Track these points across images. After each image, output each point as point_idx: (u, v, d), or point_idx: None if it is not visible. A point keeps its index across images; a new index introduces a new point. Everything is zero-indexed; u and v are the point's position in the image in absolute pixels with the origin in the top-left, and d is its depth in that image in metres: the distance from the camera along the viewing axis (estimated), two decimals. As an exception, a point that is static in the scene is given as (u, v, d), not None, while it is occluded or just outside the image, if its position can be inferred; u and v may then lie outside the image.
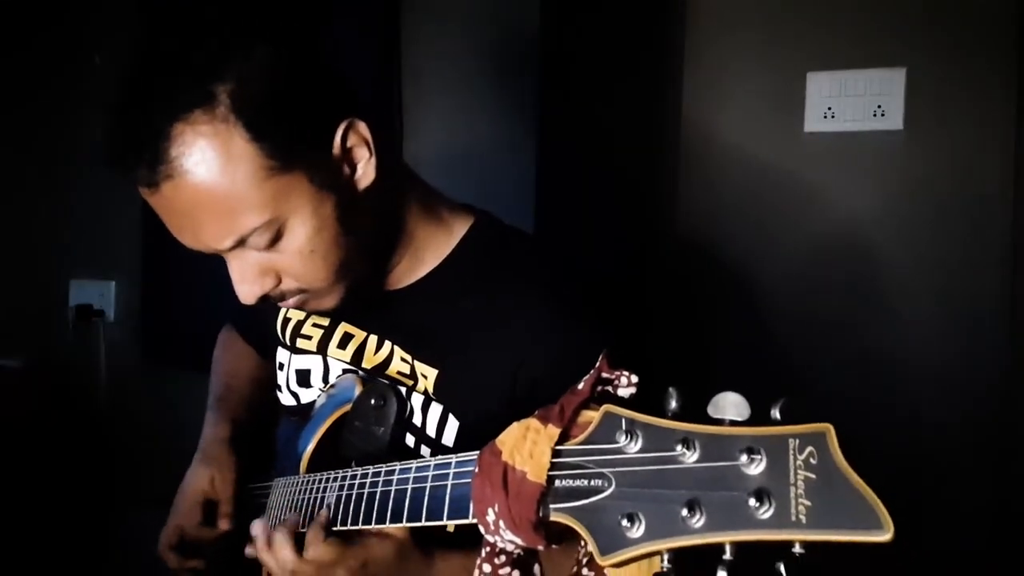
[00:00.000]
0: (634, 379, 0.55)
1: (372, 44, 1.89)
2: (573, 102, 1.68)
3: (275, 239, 0.80)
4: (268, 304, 0.87)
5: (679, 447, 0.46)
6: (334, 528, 0.81)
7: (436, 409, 0.90)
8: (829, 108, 1.57)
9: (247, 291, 0.83)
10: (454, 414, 0.89)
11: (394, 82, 1.90)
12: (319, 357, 1.01)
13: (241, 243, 0.79)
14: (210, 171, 0.75)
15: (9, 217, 2.33)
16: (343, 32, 1.89)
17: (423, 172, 2.07)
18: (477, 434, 0.86)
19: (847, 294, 1.58)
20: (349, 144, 0.82)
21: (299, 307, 0.88)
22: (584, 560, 0.60)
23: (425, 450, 0.91)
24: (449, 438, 0.90)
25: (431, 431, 0.91)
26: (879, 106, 1.54)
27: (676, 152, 1.69)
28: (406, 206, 0.91)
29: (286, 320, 1.05)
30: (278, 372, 1.08)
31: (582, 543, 0.59)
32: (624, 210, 1.65)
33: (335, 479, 0.84)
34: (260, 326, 1.12)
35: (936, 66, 1.51)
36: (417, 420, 0.92)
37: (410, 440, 0.92)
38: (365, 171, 0.83)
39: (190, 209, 0.77)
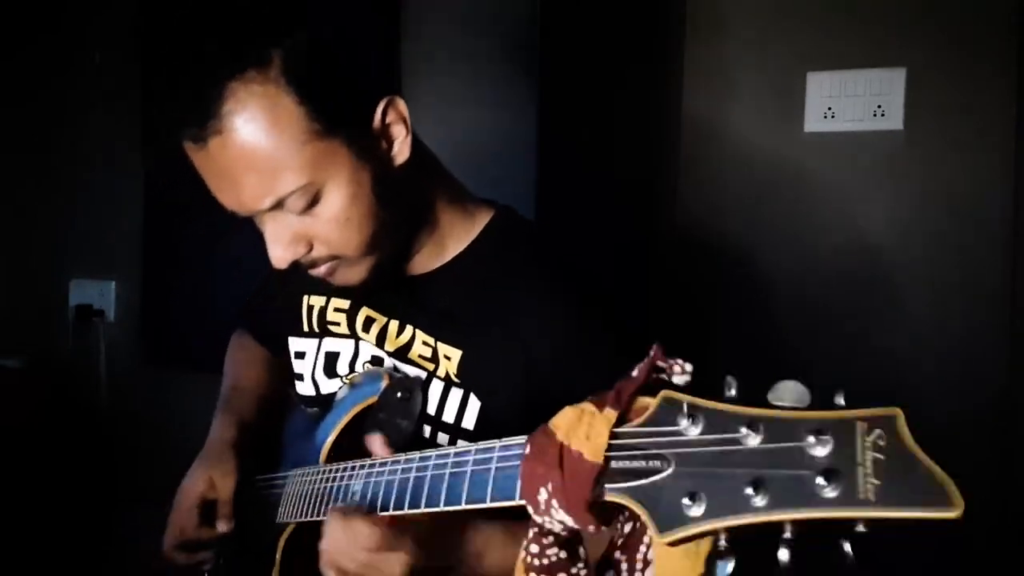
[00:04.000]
0: (688, 367, 0.55)
1: (371, 41, 1.89)
2: (573, 101, 1.68)
3: (312, 203, 0.82)
4: (298, 272, 0.89)
5: (744, 429, 0.46)
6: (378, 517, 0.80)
7: (456, 394, 0.92)
8: (829, 108, 1.57)
9: (280, 254, 0.85)
10: (477, 395, 0.91)
11: (394, 79, 1.90)
12: (351, 340, 1.02)
13: (279, 205, 0.81)
14: (257, 129, 0.78)
15: (9, 217, 2.33)
16: (342, 29, 1.89)
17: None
18: (497, 416, 0.87)
19: (847, 293, 1.58)
20: (388, 120, 0.85)
21: (328, 276, 0.89)
22: (619, 542, 0.60)
23: (443, 437, 0.92)
24: (469, 421, 0.91)
25: (450, 417, 0.92)
26: (879, 106, 1.54)
27: (676, 152, 1.70)
28: (434, 192, 0.94)
29: (310, 308, 1.05)
30: (297, 362, 1.08)
31: (619, 525, 0.60)
32: (624, 209, 1.65)
33: (360, 467, 0.84)
34: (271, 325, 1.13)
35: (936, 66, 1.51)
36: (435, 407, 0.93)
37: (426, 430, 0.93)
38: (401, 148, 0.86)
39: (233, 167, 0.80)
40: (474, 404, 0.91)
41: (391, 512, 0.77)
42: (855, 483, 0.42)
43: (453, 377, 0.92)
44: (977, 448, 1.49)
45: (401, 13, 1.92)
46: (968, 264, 1.50)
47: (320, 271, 0.88)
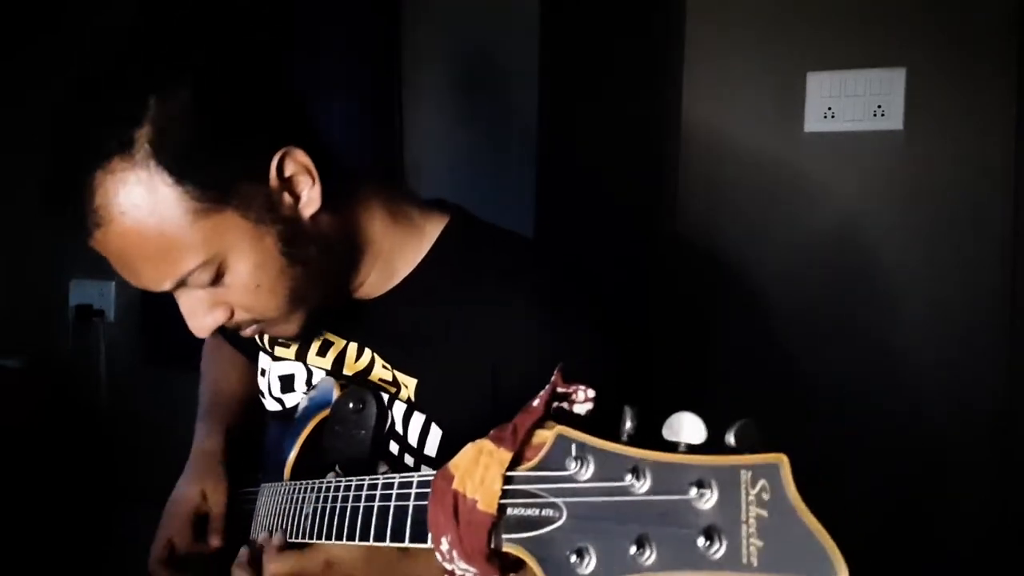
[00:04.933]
0: (591, 394, 0.53)
1: (372, 46, 1.89)
2: (572, 102, 1.68)
3: (217, 277, 0.78)
4: (226, 333, 0.86)
5: (629, 476, 0.44)
6: (312, 541, 0.80)
7: (419, 418, 0.89)
8: (829, 108, 1.57)
9: (198, 326, 0.82)
10: (436, 423, 0.88)
11: (394, 84, 1.90)
12: (300, 364, 0.99)
13: (182, 283, 0.78)
14: (136, 218, 0.74)
15: (9, 217, 2.33)
16: (343, 34, 1.89)
17: (423, 174, 2.08)
18: (461, 444, 0.85)
19: (847, 294, 1.58)
20: (288, 173, 0.79)
21: (260, 333, 0.87)
22: None
23: (409, 459, 0.90)
24: (432, 447, 0.88)
25: (413, 441, 0.89)
26: (879, 106, 1.53)
27: (676, 152, 1.69)
28: (370, 218, 0.89)
29: None
30: (260, 378, 1.06)
31: None
32: (624, 211, 1.65)
33: (313, 490, 0.83)
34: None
35: (936, 66, 1.51)
36: (400, 428, 0.90)
37: (394, 448, 0.91)
38: (309, 199, 0.81)
39: (124, 255, 0.77)
40: (437, 430, 0.88)
41: (326, 542, 0.77)
42: (738, 544, 0.40)
43: (414, 402, 0.89)
44: (977, 448, 1.49)
45: (401, 19, 1.92)
46: (968, 264, 1.50)
47: (247, 333, 0.85)
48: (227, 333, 1.19)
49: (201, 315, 0.81)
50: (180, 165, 0.73)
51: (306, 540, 0.82)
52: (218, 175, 0.75)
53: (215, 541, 1.02)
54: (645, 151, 1.66)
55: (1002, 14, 1.46)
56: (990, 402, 1.48)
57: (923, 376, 1.53)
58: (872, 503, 1.50)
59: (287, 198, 0.80)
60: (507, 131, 1.83)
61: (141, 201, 0.73)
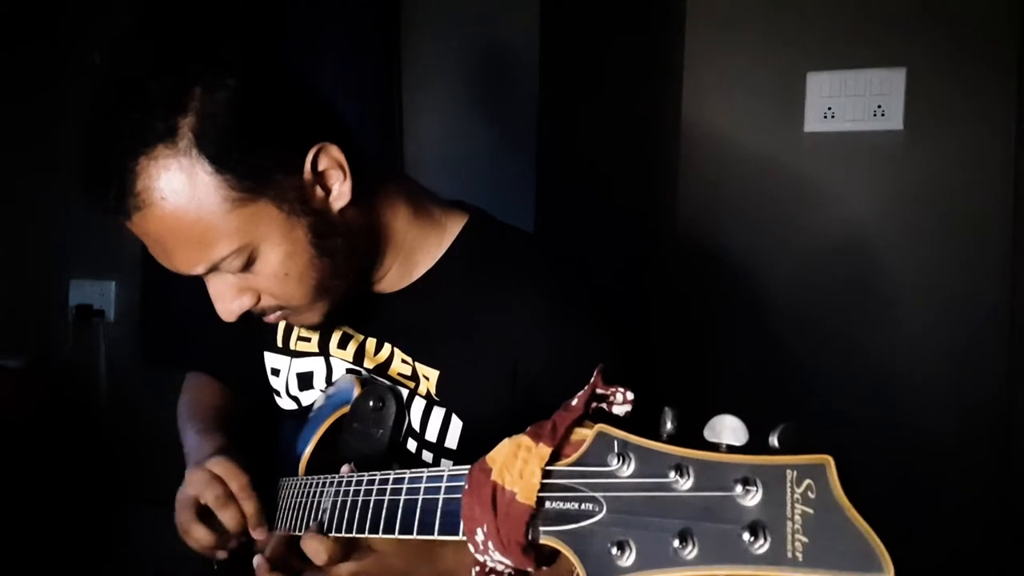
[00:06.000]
0: (629, 396, 0.53)
1: (373, 45, 1.89)
2: (572, 102, 1.68)
3: (248, 263, 0.81)
4: (252, 319, 0.87)
5: (672, 473, 0.45)
6: (329, 535, 0.80)
7: (438, 413, 0.90)
8: (829, 108, 1.57)
9: (226, 309, 0.84)
10: (457, 415, 0.89)
11: (394, 83, 1.90)
12: (321, 358, 1.00)
13: (214, 268, 0.81)
14: (175, 203, 0.76)
15: (9, 217, 2.33)
16: (343, 34, 1.89)
17: (423, 173, 2.08)
18: (481, 436, 0.84)
19: (847, 293, 1.58)
20: (321, 168, 0.82)
21: (283, 320, 0.89)
22: None
23: (427, 455, 0.91)
24: (452, 440, 0.89)
25: (433, 435, 0.90)
26: (879, 106, 1.54)
27: (676, 152, 1.69)
28: (394, 214, 0.92)
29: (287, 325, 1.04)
30: (273, 378, 1.07)
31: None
32: (624, 211, 1.65)
33: (331, 483, 0.84)
34: (238, 354, 1.10)
35: (936, 66, 1.51)
36: (418, 424, 0.91)
37: (412, 445, 0.92)
38: (340, 192, 0.84)
39: (161, 238, 0.80)
40: (457, 422, 0.89)
41: (346, 535, 0.77)
42: (783, 540, 0.40)
43: (434, 395, 0.90)
44: (977, 448, 1.49)
45: (402, 18, 1.92)
46: (968, 263, 1.50)
47: (271, 319, 0.88)
48: (221, 368, 1.18)
49: (229, 299, 0.84)
50: (220, 155, 0.76)
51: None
52: (256, 166, 0.78)
53: (258, 535, 0.93)
54: (645, 151, 1.66)
55: (1002, 14, 1.46)
56: (990, 402, 1.48)
57: (923, 376, 1.53)
58: (872, 503, 1.50)
59: (319, 191, 0.83)
60: (507, 130, 1.83)
61: (181, 188, 0.76)
